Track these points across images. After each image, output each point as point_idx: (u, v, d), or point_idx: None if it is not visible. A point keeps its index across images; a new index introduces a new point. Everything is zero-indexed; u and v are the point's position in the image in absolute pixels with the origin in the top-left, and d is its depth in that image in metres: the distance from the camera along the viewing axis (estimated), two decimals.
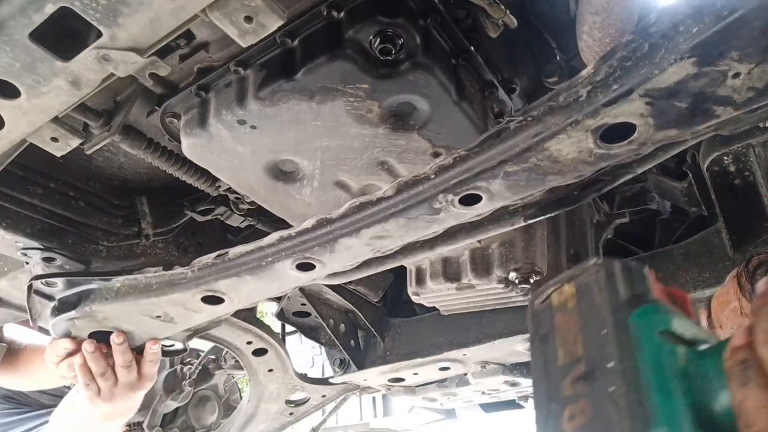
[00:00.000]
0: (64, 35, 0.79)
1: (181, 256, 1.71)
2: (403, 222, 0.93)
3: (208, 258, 1.15)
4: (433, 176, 0.88)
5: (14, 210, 1.34)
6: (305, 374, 2.37)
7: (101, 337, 1.41)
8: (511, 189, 0.86)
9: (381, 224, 0.94)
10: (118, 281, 1.28)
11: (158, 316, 1.30)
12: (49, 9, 0.73)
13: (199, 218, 1.56)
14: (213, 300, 1.21)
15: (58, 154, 1.06)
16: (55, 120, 0.97)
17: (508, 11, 1.01)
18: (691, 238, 1.65)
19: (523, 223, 1.28)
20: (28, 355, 2.20)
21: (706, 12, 0.67)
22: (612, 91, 0.74)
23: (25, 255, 1.40)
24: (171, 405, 2.41)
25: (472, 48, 1.08)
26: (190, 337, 1.51)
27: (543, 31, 1.28)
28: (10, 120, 0.90)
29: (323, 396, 2.47)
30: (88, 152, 1.15)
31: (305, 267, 1.05)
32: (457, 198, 0.88)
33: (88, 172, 1.48)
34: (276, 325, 2.30)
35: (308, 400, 2.48)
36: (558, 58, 1.26)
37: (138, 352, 1.46)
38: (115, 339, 1.38)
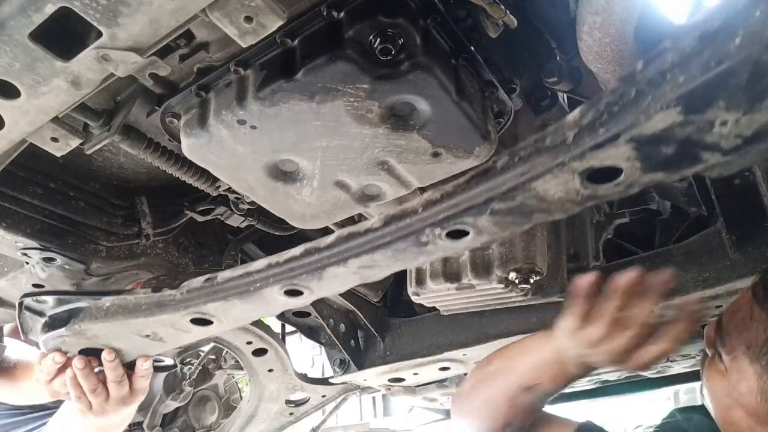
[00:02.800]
0: (64, 35, 0.79)
1: (181, 256, 1.71)
2: (391, 253, 0.93)
3: (197, 281, 1.16)
4: (420, 210, 0.88)
5: (14, 210, 1.34)
6: (305, 374, 2.37)
7: (92, 351, 1.41)
8: (498, 225, 0.87)
9: (369, 255, 0.94)
10: (107, 300, 1.28)
11: (148, 335, 1.30)
12: (49, 9, 0.73)
13: (199, 218, 1.56)
14: (202, 322, 1.21)
15: (58, 154, 1.06)
16: (55, 120, 0.97)
17: (508, 11, 1.01)
18: (691, 238, 1.65)
19: None
20: (20, 371, 2.19)
21: (693, 62, 0.67)
22: (598, 136, 0.74)
23: (25, 255, 1.40)
24: (171, 405, 2.41)
25: (472, 48, 1.08)
26: (180, 354, 1.51)
27: (543, 31, 1.28)
28: (10, 120, 0.90)
29: (323, 396, 2.47)
30: (88, 152, 1.15)
31: (293, 293, 1.06)
32: (444, 232, 0.88)
33: (88, 172, 1.48)
34: (276, 325, 2.30)
35: (308, 400, 2.49)
36: (558, 58, 1.26)
37: (129, 366, 1.46)
38: (106, 356, 1.38)
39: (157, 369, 1.57)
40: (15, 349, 2.25)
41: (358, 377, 2.19)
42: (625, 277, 1.01)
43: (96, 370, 1.41)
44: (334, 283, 1.03)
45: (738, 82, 0.67)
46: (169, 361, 1.58)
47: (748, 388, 1.15)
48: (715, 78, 0.66)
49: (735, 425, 1.20)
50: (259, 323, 2.01)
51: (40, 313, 1.36)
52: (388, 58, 0.93)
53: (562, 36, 1.25)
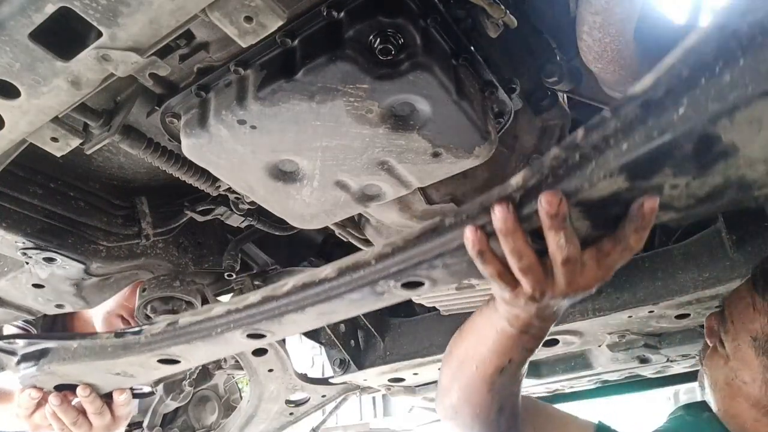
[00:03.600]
0: (64, 35, 0.79)
1: (181, 256, 1.71)
2: (348, 302, 0.94)
3: (158, 326, 1.17)
4: (373, 262, 0.89)
5: (14, 210, 1.34)
6: (305, 374, 2.37)
7: (68, 385, 1.43)
8: (453, 276, 0.87)
9: (325, 303, 0.95)
10: (74, 342, 1.31)
11: (118, 373, 1.33)
12: (49, 9, 0.73)
13: (199, 218, 1.56)
14: (169, 361, 1.23)
15: (58, 154, 1.06)
16: (55, 120, 0.97)
17: (508, 11, 1.01)
18: (691, 238, 1.65)
19: None
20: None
21: (637, 130, 0.66)
22: None
23: (25, 255, 1.40)
24: (171, 405, 2.41)
25: (472, 48, 1.08)
26: (157, 383, 1.54)
27: (543, 31, 1.28)
28: (10, 120, 0.90)
29: (323, 396, 2.47)
30: (88, 152, 1.15)
31: (256, 336, 1.07)
32: (399, 283, 0.89)
33: (88, 172, 1.48)
34: None
35: (308, 400, 2.49)
36: (558, 58, 1.26)
37: (108, 396, 1.47)
38: (80, 392, 1.40)
39: (135, 396, 1.59)
40: None
41: (358, 377, 2.19)
42: (500, 218, 0.78)
43: (74, 401, 1.43)
44: (295, 327, 1.05)
45: (683, 152, 0.66)
46: (146, 389, 1.60)
47: (752, 378, 1.15)
48: (658, 148, 0.65)
49: (738, 417, 1.20)
50: None
51: (12, 353, 1.40)
52: (388, 58, 0.93)
53: (562, 36, 1.25)
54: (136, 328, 1.22)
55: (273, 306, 0.99)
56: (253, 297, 1.01)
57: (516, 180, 0.77)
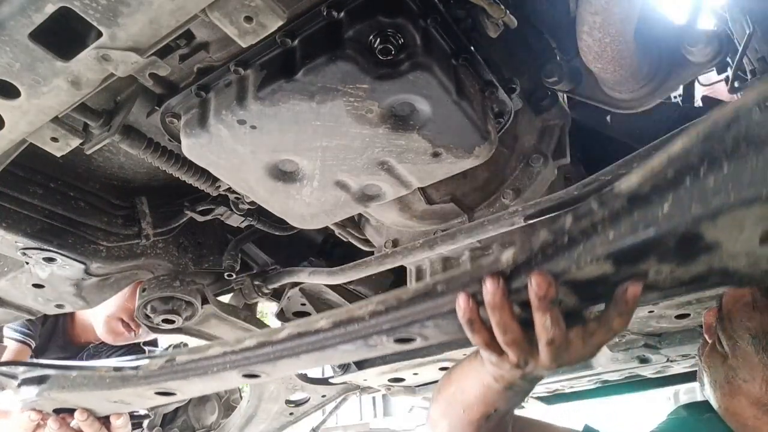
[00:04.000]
0: (64, 35, 0.79)
1: (181, 256, 1.71)
2: (341, 351, 0.96)
3: (156, 362, 1.20)
4: (367, 318, 0.91)
5: (14, 210, 1.34)
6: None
7: (67, 408, 1.46)
8: (445, 335, 0.90)
9: (319, 352, 0.98)
10: (73, 372, 1.35)
11: (115, 401, 1.36)
12: (49, 9, 0.73)
13: (199, 218, 1.56)
14: (165, 393, 1.26)
15: (58, 154, 1.06)
16: (55, 120, 0.97)
17: (508, 11, 1.01)
18: None
19: (523, 223, 1.28)
20: None
21: (623, 221, 0.69)
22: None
23: (25, 255, 1.40)
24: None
25: (472, 48, 1.08)
26: (153, 408, 1.56)
27: (543, 31, 1.28)
28: (10, 120, 0.90)
29: (323, 396, 2.47)
30: (88, 152, 1.15)
31: (251, 376, 1.10)
32: (391, 338, 0.91)
33: (88, 172, 1.48)
34: (276, 325, 2.30)
35: (308, 400, 2.48)
36: (558, 58, 1.26)
37: (105, 418, 1.49)
38: (78, 416, 1.43)
39: (132, 418, 1.63)
40: None
41: (358, 377, 2.19)
42: (489, 292, 0.81)
43: (73, 423, 1.46)
44: (290, 369, 1.08)
45: (667, 245, 0.68)
46: (142, 411, 1.62)
47: (752, 376, 1.15)
48: (642, 242, 0.68)
49: (738, 415, 1.20)
50: (259, 323, 2.01)
51: (13, 376, 1.43)
52: (388, 58, 0.93)
53: (562, 36, 1.25)
54: (134, 364, 1.25)
55: (268, 350, 1.02)
56: (250, 341, 1.05)
57: (507, 257, 0.80)
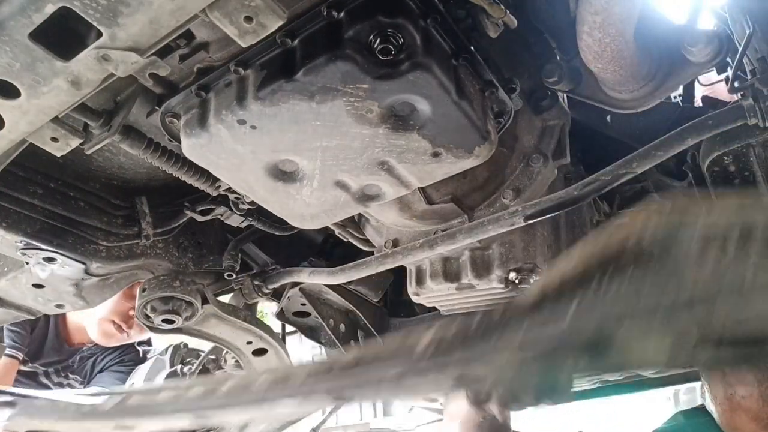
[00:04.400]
0: (64, 35, 0.79)
1: (181, 256, 1.71)
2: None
3: (111, 402, 1.25)
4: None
5: (14, 210, 1.34)
6: None
7: None
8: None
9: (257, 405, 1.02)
10: (41, 401, 1.43)
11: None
12: (49, 9, 0.73)
13: (199, 218, 1.56)
14: (125, 428, 1.30)
15: (58, 154, 1.06)
16: (55, 120, 0.97)
17: (508, 11, 1.01)
18: None
19: (523, 224, 1.28)
20: None
21: None
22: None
23: (25, 255, 1.40)
24: None
25: (472, 48, 1.08)
26: None
27: (543, 31, 1.28)
28: (10, 120, 0.90)
29: None
30: (88, 152, 1.15)
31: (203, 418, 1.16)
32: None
33: (88, 172, 1.48)
34: (276, 325, 2.30)
35: None
36: (558, 58, 1.26)
37: None
38: None
39: None
40: None
41: None
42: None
43: None
44: (236, 418, 1.18)
45: None
46: None
47: (749, 392, 1.17)
48: None
49: (739, 430, 1.22)
50: (259, 323, 2.01)
51: None
52: (388, 58, 0.93)
53: (562, 36, 1.25)
54: (91, 402, 1.32)
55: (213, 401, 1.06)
56: (197, 389, 1.11)
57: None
